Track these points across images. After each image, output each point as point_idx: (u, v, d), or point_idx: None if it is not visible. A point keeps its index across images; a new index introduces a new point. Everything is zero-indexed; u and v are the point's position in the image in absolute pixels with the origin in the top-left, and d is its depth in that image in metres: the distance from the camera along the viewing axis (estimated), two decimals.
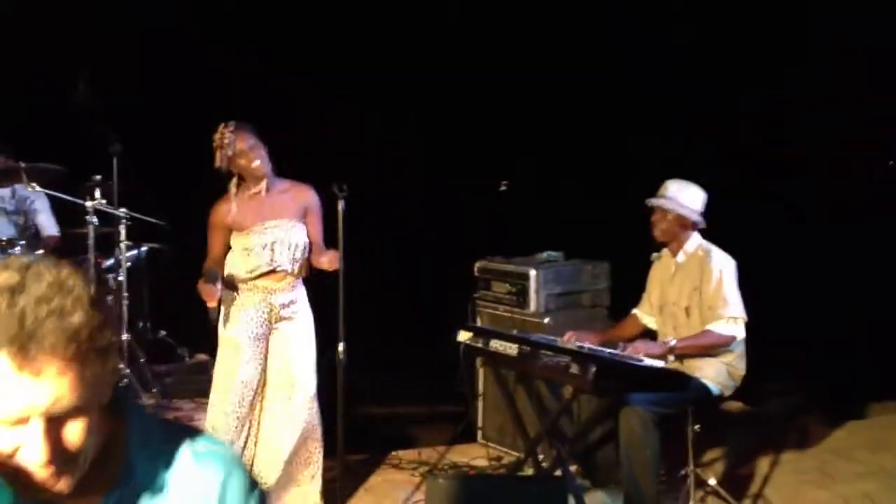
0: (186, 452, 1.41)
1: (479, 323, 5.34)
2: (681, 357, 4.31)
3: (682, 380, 4.23)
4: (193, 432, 1.45)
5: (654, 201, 4.45)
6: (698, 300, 4.33)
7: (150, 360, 6.15)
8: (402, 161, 7.49)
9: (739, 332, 4.24)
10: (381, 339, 6.31)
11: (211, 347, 4.60)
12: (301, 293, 4.28)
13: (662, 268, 4.58)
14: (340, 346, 4.23)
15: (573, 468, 4.56)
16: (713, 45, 7.14)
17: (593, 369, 3.98)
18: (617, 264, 5.40)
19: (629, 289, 4.96)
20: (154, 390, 5.89)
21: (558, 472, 4.42)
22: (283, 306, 4.20)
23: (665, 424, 4.10)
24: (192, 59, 7.00)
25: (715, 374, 4.28)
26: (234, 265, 4.18)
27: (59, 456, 1.23)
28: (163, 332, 6.67)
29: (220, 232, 4.19)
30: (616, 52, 7.35)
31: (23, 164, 5.60)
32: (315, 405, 4.25)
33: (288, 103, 7.01)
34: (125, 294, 5.89)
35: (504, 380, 4.89)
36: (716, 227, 4.51)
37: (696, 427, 4.22)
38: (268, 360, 4.22)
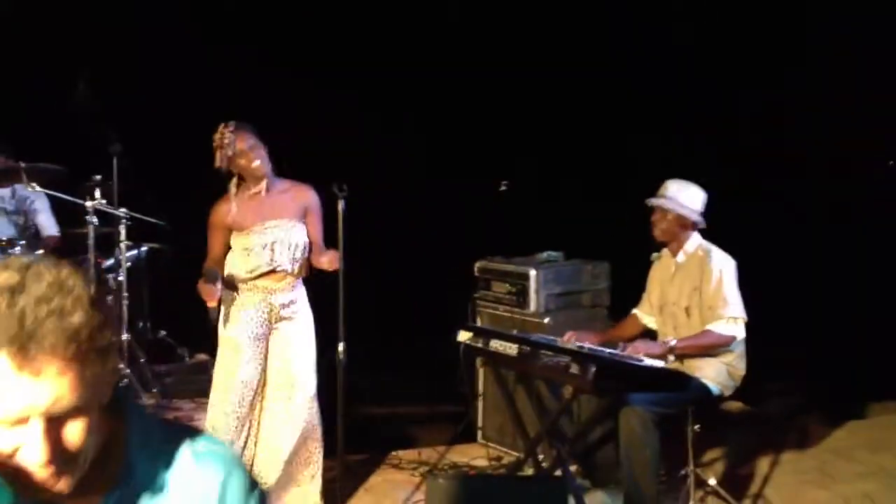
0: (186, 452, 1.40)
1: (479, 323, 5.34)
2: (681, 357, 4.31)
3: (682, 380, 4.23)
4: (193, 432, 1.45)
5: (654, 201, 4.45)
6: (698, 300, 4.33)
7: (150, 360, 6.15)
8: (402, 161, 7.48)
9: (739, 332, 4.24)
10: (381, 339, 6.31)
11: (211, 347, 4.61)
12: (301, 293, 4.28)
13: (662, 268, 4.58)
14: (340, 346, 4.23)
15: (573, 468, 4.56)
16: (713, 45, 7.14)
17: (593, 369, 3.98)
18: (617, 264, 5.40)
19: (629, 289, 4.96)
20: (154, 390, 5.89)
21: (558, 472, 4.42)
22: (283, 306, 4.20)
23: (665, 424, 4.10)
24: (192, 59, 7.00)
25: (715, 374, 4.28)
26: (234, 265, 4.18)
27: (59, 456, 1.23)
28: (163, 332, 6.67)
29: (220, 232, 4.19)
30: (616, 52, 7.35)
31: (23, 164, 5.60)
32: (315, 405, 4.25)
33: (288, 103, 7.00)
34: (125, 294, 5.89)
35: (504, 380, 4.89)
36: (716, 227, 4.51)
37: (696, 427, 4.22)
38: (268, 360, 4.22)
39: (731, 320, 4.22)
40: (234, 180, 4.21)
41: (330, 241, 4.27)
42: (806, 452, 5.23)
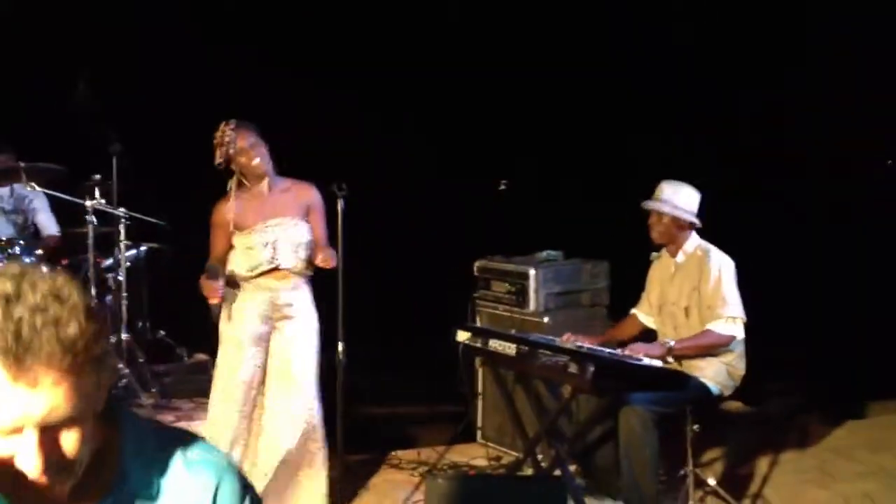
0: (179, 459, 1.40)
1: (478, 322, 5.34)
2: (679, 357, 4.31)
3: (682, 379, 4.23)
4: (188, 439, 1.44)
5: (649, 204, 4.46)
6: (697, 300, 4.32)
7: (150, 360, 6.14)
8: (402, 161, 7.48)
9: (738, 332, 4.24)
10: (381, 339, 6.31)
11: (211, 347, 4.61)
12: (304, 292, 4.27)
13: (662, 268, 4.58)
14: (340, 346, 4.23)
15: (572, 468, 4.56)
16: (713, 45, 7.14)
17: (592, 369, 3.98)
18: (616, 263, 5.40)
19: (628, 288, 4.96)
20: (153, 390, 5.88)
21: (557, 472, 4.42)
22: (286, 305, 4.20)
23: (664, 424, 4.10)
24: (192, 59, 7.00)
25: (714, 373, 4.28)
26: (237, 264, 4.18)
27: (54, 465, 1.23)
28: (162, 332, 6.66)
29: (222, 231, 4.20)
30: (616, 52, 7.35)
31: (22, 164, 5.61)
32: (316, 405, 4.23)
33: (288, 103, 7.00)
34: (124, 294, 5.89)
35: (503, 379, 4.89)
36: (716, 227, 4.51)
37: (696, 427, 4.22)
38: (269, 359, 4.22)
39: (730, 320, 4.22)
40: (235, 179, 4.21)
41: (330, 241, 4.28)
42: (806, 452, 5.23)
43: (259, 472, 4.18)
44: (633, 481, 4.05)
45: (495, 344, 4.52)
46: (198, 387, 5.97)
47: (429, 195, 7.42)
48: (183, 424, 5.35)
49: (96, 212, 5.63)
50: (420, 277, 7.12)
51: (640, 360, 4.13)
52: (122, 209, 5.76)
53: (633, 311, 4.74)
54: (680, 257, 4.45)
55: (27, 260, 5.43)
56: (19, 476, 1.22)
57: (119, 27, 6.88)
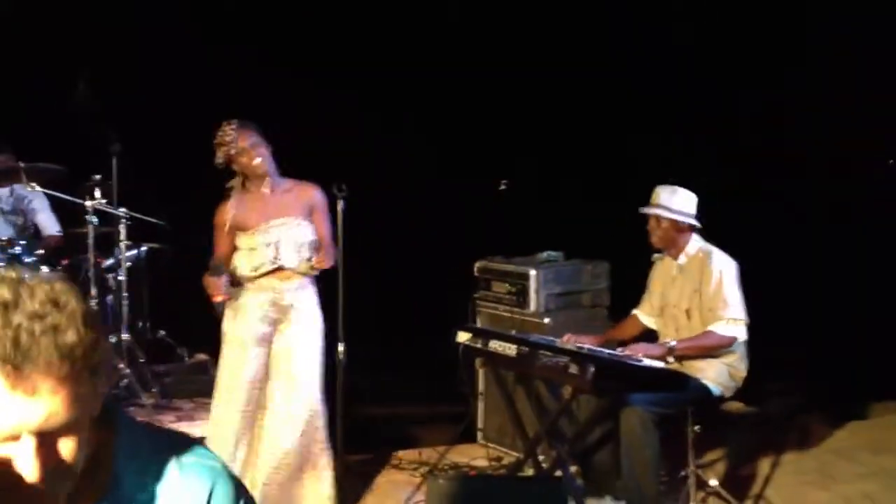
0: (173, 464, 1.39)
1: (479, 323, 5.34)
2: (680, 358, 4.31)
3: (682, 380, 4.23)
4: (182, 443, 1.44)
5: (646, 210, 4.46)
6: (699, 302, 4.32)
7: (150, 360, 6.14)
8: (402, 161, 7.48)
9: (740, 334, 4.24)
10: (381, 339, 6.31)
11: (211, 347, 4.61)
12: (309, 293, 4.27)
13: (664, 270, 4.58)
14: (340, 347, 4.23)
15: (573, 469, 4.56)
16: (713, 45, 7.13)
17: (592, 369, 3.98)
18: (617, 264, 5.40)
19: (629, 288, 4.96)
20: (153, 390, 5.88)
21: (558, 473, 4.42)
22: (290, 305, 4.20)
23: (665, 425, 4.10)
24: (192, 59, 7.00)
25: (716, 374, 4.28)
26: (240, 264, 4.19)
27: (52, 470, 1.23)
28: (162, 332, 6.66)
29: (225, 232, 4.20)
30: (616, 52, 7.34)
31: (22, 164, 5.60)
32: (319, 406, 4.23)
33: (288, 103, 7.00)
34: (125, 294, 5.89)
35: (504, 380, 4.89)
36: (716, 228, 4.51)
37: (697, 428, 4.22)
38: (272, 360, 4.22)
39: (732, 321, 4.22)
40: (238, 179, 4.21)
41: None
42: (807, 453, 5.23)
43: (262, 472, 4.18)
44: (635, 482, 4.05)
45: (496, 345, 4.52)
46: (198, 387, 5.97)
47: (429, 195, 7.41)
48: (183, 424, 5.37)
49: (97, 212, 5.63)
50: (420, 278, 7.11)
51: (641, 360, 4.14)
52: (122, 209, 5.76)
53: (635, 311, 4.74)
54: (682, 259, 4.45)
55: (28, 260, 5.43)
56: (16, 479, 1.22)
57: (119, 27, 6.88)
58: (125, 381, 5.73)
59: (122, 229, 5.78)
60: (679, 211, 4.40)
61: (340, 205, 4.18)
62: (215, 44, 7.10)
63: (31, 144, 5.89)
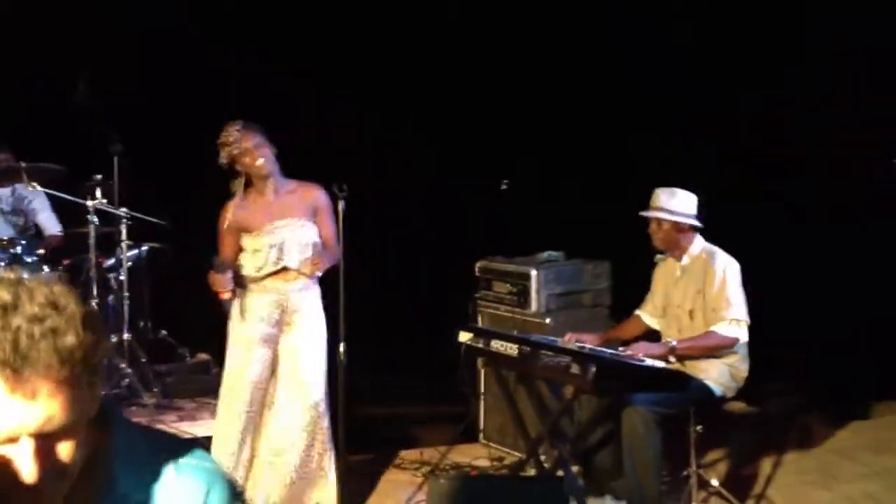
0: (169, 465, 1.39)
1: (479, 323, 5.34)
2: (682, 358, 4.31)
3: (684, 380, 4.23)
4: (179, 445, 1.44)
5: (647, 214, 4.46)
6: (702, 303, 4.33)
7: (151, 360, 6.14)
8: (403, 161, 7.48)
9: (742, 335, 4.24)
10: (381, 339, 6.31)
11: (212, 347, 4.61)
12: (313, 294, 4.27)
13: (667, 270, 4.58)
14: (341, 347, 4.23)
15: (574, 469, 4.56)
16: (713, 45, 7.13)
17: (594, 369, 3.99)
18: (618, 264, 5.40)
19: (630, 288, 4.96)
20: (155, 390, 5.88)
21: (560, 473, 4.42)
22: (294, 306, 4.20)
23: (667, 425, 4.10)
24: (192, 59, 7.00)
25: (717, 375, 4.28)
26: (245, 265, 4.19)
27: (50, 472, 1.23)
28: (163, 332, 6.66)
29: (229, 234, 4.21)
30: (616, 52, 7.34)
31: (23, 164, 5.60)
32: (323, 407, 4.23)
33: (288, 103, 7.00)
34: (126, 294, 5.89)
35: (505, 380, 4.89)
36: (716, 228, 4.51)
37: (698, 428, 4.22)
38: (276, 361, 4.23)
39: (734, 322, 4.22)
40: (241, 181, 4.21)
41: None
42: (809, 453, 5.23)
43: (265, 473, 4.18)
44: (636, 482, 4.05)
45: (497, 344, 4.52)
46: (199, 387, 5.98)
47: (430, 195, 7.41)
48: (185, 424, 5.37)
49: (97, 212, 5.63)
50: (421, 278, 7.11)
51: (643, 360, 4.14)
52: (123, 209, 5.76)
53: (637, 312, 4.74)
54: (685, 260, 4.46)
55: (29, 260, 5.43)
56: (15, 480, 1.22)
57: (119, 27, 6.87)
58: (127, 380, 5.73)
59: (124, 229, 5.78)
60: (679, 212, 4.40)
61: (341, 205, 4.20)
62: (215, 44, 7.10)
63: (31, 144, 5.89)
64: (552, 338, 4.58)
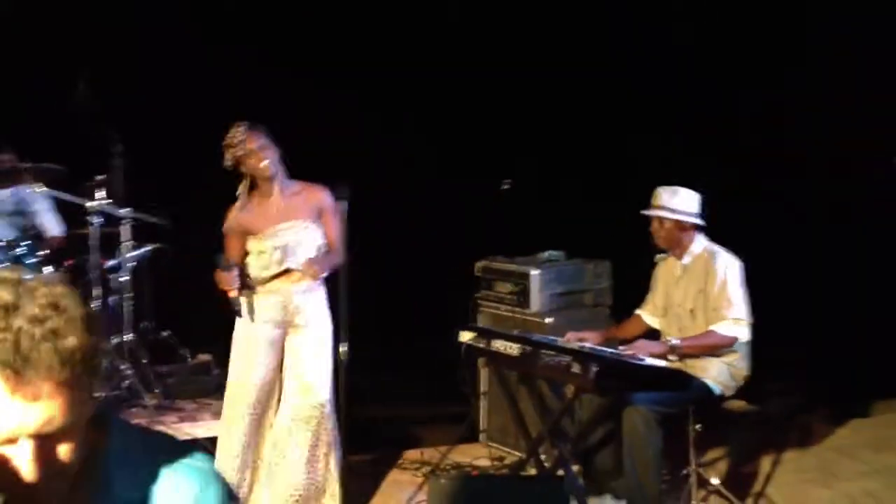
0: (165, 466, 1.40)
1: (480, 323, 5.34)
2: (683, 357, 4.31)
3: (684, 379, 4.23)
4: (174, 445, 1.45)
5: (648, 212, 4.46)
6: (703, 302, 4.33)
7: (153, 361, 6.14)
8: (403, 161, 7.48)
9: (743, 334, 4.24)
10: (382, 339, 6.31)
11: (215, 348, 4.61)
12: (318, 296, 4.28)
13: (668, 270, 4.58)
14: (342, 347, 4.23)
15: (575, 468, 4.56)
16: (713, 45, 7.14)
17: (595, 369, 3.99)
18: (618, 263, 5.40)
19: (631, 288, 4.96)
20: (157, 391, 5.88)
21: (561, 472, 4.42)
22: (299, 308, 4.21)
23: (667, 424, 4.11)
24: (192, 59, 7.00)
25: (717, 373, 4.29)
26: (251, 267, 4.20)
27: (49, 472, 1.23)
28: (165, 333, 6.67)
29: (234, 236, 4.22)
30: (616, 52, 7.35)
31: (25, 165, 5.60)
32: (328, 408, 4.23)
33: (288, 103, 7.00)
34: (128, 294, 5.90)
35: (506, 380, 4.89)
36: (717, 228, 4.51)
37: (698, 427, 4.22)
38: (282, 362, 4.23)
39: (735, 322, 4.22)
40: (246, 182, 4.22)
41: None
42: (809, 451, 5.24)
43: (269, 473, 4.18)
44: (637, 481, 4.06)
45: (498, 344, 4.52)
46: (201, 387, 5.99)
47: (430, 195, 7.42)
48: (186, 425, 5.38)
49: (99, 212, 5.63)
50: (422, 278, 7.12)
51: (643, 359, 4.14)
52: (124, 210, 5.76)
53: (638, 311, 4.74)
54: (686, 259, 4.46)
55: (31, 261, 5.43)
56: (14, 480, 1.23)
57: (119, 27, 6.87)
58: (128, 381, 5.73)
59: (125, 230, 5.78)
60: (681, 211, 4.41)
61: (342, 205, 4.19)
62: (215, 44, 7.10)
63: (31, 144, 5.89)
64: (553, 337, 4.58)
